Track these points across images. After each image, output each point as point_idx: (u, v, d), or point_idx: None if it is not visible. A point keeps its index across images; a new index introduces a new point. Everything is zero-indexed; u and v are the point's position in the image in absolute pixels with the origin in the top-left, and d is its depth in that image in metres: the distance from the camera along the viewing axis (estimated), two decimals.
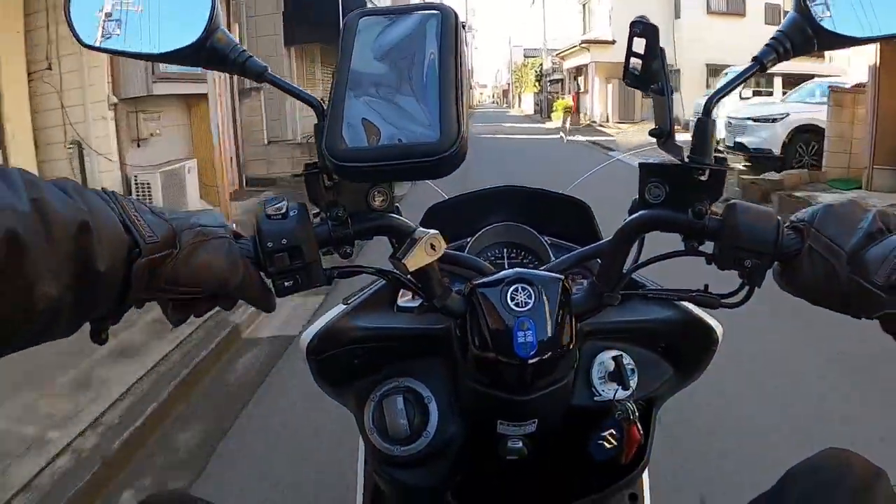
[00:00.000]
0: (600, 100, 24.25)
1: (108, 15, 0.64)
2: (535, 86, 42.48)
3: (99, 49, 0.65)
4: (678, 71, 21.10)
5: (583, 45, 25.22)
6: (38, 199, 0.46)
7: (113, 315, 0.55)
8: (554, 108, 30.74)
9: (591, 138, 16.62)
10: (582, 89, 27.81)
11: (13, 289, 0.44)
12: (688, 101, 14.90)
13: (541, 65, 40.75)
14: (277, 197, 0.64)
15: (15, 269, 0.43)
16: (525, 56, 55.61)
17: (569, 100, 28.74)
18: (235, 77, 7.23)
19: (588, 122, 23.65)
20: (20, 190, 0.45)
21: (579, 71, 28.92)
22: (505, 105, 69.80)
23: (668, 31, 21.37)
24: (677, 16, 21.87)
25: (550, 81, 37.23)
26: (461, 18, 0.61)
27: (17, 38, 4.54)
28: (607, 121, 23.99)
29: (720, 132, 11.09)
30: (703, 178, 0.65)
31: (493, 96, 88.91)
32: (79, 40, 0.64)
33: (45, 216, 0.46)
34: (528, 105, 47.07)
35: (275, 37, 9.24)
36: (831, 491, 0.70)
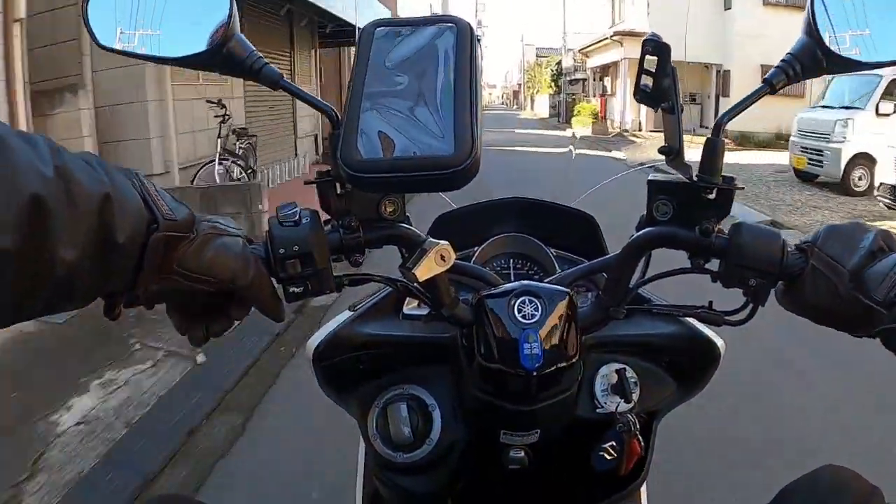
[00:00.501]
0: (632, 104, 22.36)
1: (126, 17, 0.72)
2: (550, 87, 40.95)
3: (115, 51, 0.72)
4: (728, 72, 20.46)
5: (614, 37, 23.64)
6: (63, 167, 0.52)
7: (126, 291, 0.62)
8: (576, 112, 28.10)
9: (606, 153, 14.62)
10: (609, 91, 26.63)
11: (34, 252, 0.49)
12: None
13: (559, 63, 38.84)
14: (290, 203, 0.71)
15: (37, 233, 0.49)
16: (538, 55, 53.81)
17: (595, 104, 26.88)
18: (22, 63, 4.89)
19: (618, 130, 22.56)
20: (45, 156, 0.51)
21: (605, 70, 27.64)
22: (515, 107, 68.85)
23: (715, 25, 20.53)
24: (727, 6, 20.87)
25: (570, 81, 35.30)
26: (471, 14, 0.74)
27: None
28: (640, 129, 22.47)
29: (885, 174, 8.57)
30: (710, 196, 0.73)
31: (503, 97, 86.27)
32: (95, 41, 0.72)
33: (68, 183, 0.51)
34: (542, 107, 45.55)
35: None
36: None
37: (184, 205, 0.64)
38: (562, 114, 33.55)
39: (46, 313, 0.55)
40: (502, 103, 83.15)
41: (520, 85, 66.46)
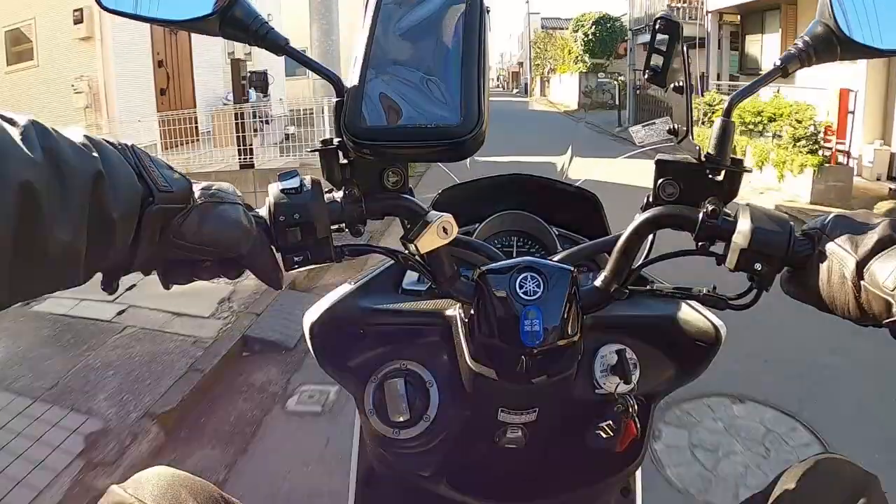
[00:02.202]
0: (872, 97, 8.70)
1: None
2: (582, 62, 26.74)
3: (118, 13, 0.71)
4: None
5: None
6: (52, 149, 0.52)
7: (125, 265, 0.62)
8: (704, 118, 9.90)
9: None
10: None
11: (28, 237, 0.49)
12: None
13: (601, 21, 25.65)
14: (292, 172, 0.71)
15: (29, 219, 0.49)
16: (544, 27, 40.98)
17: (791, 101, 8.80)
18: None
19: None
20: (33, 139, 0.51)
21: (763, 15, 12.32)
22: (515, 90, 53.56)
23: None
24: None
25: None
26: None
27: None
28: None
29: None
30: (718, 178, 0.73)
31: (500, 78, 73.75)
32: (99, 3, 0.71)
33: (58, 165, 0.52)
34: (564, 93, 29.67)
35: None
36: (822, 496, 0.79)
37: (181, 175, 0.64)
38: (630, 113, 17.89)
39: (46, 292, 0.56)
40: (498, 86, 71.50)
41: (521, 64, 52.53)
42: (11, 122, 0.52)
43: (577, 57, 27.55)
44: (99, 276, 0.62)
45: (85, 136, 0.57)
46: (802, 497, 0.81)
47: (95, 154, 0.56)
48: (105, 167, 0.56)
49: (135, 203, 0.59)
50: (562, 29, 36.08)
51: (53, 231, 0.51)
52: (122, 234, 0.58)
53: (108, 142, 0.60)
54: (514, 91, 54.92)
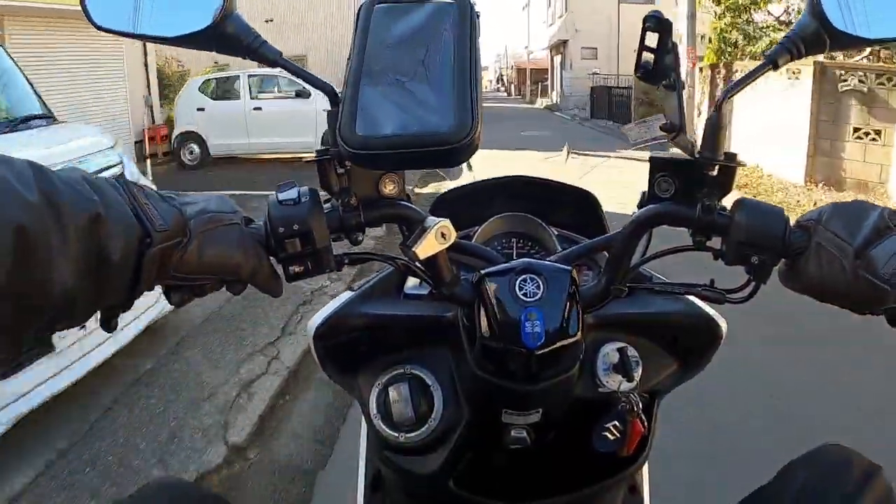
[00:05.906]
0: None
1: None
2: None
3: (111, 31, 0.73)
4: None
5: None
6: (49, 192, 0.52)
7: (124, 304, 0.62)
8: None
9: None
10: None
11: (26, 282, 0.49)
12: None
13: None
14: (289, 182, 0.72)
15: (25, 264, 0.49)
16: None
17: None
18: None
19: None
20: (30, 182, 0.51)
21: None
22: (545, 102, 33.45)
23: None
24: None
25: None
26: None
27: None
28: None
29: None
30: (712, 173, 0.74)
31: (502, 78, 62.64)
32: (91, 21, 0.72)
33: (55, 208, 0.51)
34: None
35: None
36: (827, 486, 0.80)
37: (173, 204, 0.64)
38: None
39: (48, 332, 0.56)
40: (498, 88, 60.76)
41: (561, 46, 31.50)
42: (8, 163, 0.52)
43: None
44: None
45: (83, 174, 0.58)
46: (809, 489, 0.82)
47: (94, 196, 0.56)
48: (104, 208, 0.56)
49: (133, 244, 0.58)
50: None
51: (52, 275, 0.51)
52: (122, 275, 0.58)
53: (104, 180, 0.60)
54: (541, 103, 31.98)
